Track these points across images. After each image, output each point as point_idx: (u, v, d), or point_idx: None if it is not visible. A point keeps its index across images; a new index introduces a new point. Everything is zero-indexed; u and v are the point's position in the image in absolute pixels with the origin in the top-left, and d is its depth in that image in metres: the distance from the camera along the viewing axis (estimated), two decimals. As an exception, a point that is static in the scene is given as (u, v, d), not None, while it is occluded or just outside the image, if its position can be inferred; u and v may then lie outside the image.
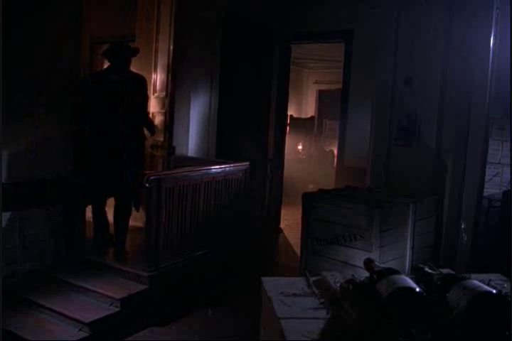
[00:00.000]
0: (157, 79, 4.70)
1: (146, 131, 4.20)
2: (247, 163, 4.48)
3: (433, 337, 1.23)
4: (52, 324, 3.23)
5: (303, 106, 11.39)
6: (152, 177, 3.52)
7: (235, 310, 3.61)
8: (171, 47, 4.50)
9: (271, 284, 1.69)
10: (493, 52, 3.42)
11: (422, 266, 1.64)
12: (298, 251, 3.57)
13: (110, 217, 4.10)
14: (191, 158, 4.77)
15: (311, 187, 6.69)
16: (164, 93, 4.61)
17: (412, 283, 1.37)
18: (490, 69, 3.43)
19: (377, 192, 3.49)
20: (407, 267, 3.18)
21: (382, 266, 1.59)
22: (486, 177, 3.63)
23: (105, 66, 4.45)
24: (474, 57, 3.47)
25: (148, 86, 4.27)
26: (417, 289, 1.35)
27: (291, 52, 5.72)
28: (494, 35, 3.41)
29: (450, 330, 1.26)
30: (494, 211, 3.56)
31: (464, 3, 3.50)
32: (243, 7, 4.87)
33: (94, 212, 4.07)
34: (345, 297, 1.52)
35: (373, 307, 1.38)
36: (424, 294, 1.35)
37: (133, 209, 4.10)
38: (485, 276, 1.60)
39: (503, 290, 1.43)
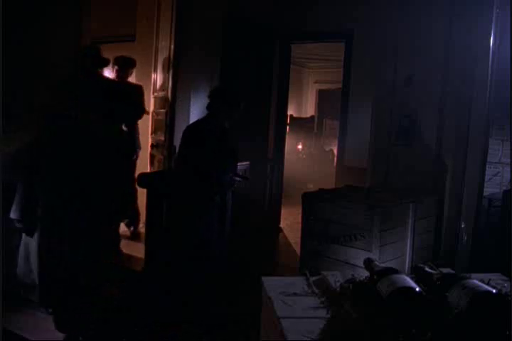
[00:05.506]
0: (157, 78, 4.70)
1: None
2: (247, 162, 4.48)
3: (433, 337, 1.23)
4: (53, 324, 3.23)
5: (303, 105, 11.39)
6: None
7: (234, 310, 3.60)
8: (172, 47, 4.50)
9: (271, 284, 1.69)
10: (493, 52, 3.42)
11: (422, 265, 1.64)
12: (298, 251, 3.57)
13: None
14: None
15: (311, 187, 6.69)
16: (164, 93, 4.61)
17: (412, 283, 1.37)
18: (490, 69, 3.43)
19: (377, 192, 3.49)
20: (407, 267, 3.18)
21: (383, 265, 1.59)
22: (486, 177, 3.63)
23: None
24: (474, 57, 3.47)
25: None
26: (417, 289, 1.35)
27: (291, 52, 5.71)
28: (494, 35, 3.41)
29: (450, 330, 1.26)
30: (494, 211, 3.56)
31: (464, 3, 3.50)
32: (243, 7, 4.87)
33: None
34: (345, 297, 1.51)
35: (373, 307, 1.38)
36: (424, 294, 1.35)
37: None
38: (485, 276, 1.60)
39: (503, 290, 1.43)
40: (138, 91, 4.65)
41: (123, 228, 4.42)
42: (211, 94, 3.62)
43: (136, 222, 4.64)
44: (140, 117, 4.63)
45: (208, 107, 3.58)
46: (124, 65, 4.61)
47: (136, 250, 3.99)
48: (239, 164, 4.36)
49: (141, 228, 4.42)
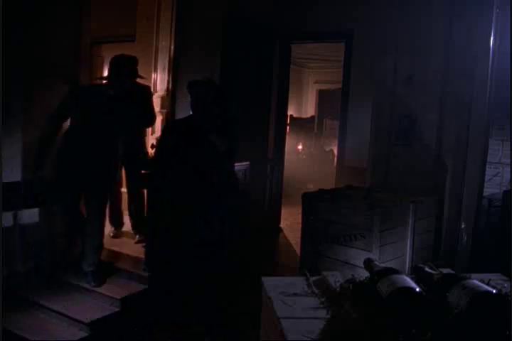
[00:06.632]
0: (157, 79, 4.70)
1: None
2: (247, 162, 4.48)
3: (433, 337, 1.23)
4: (52, 324, 3.23)
5: (303, 106, 11.39)
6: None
7: (234, 310, 3.60)
8: (172, 47, 4.50)
9: (271, 284, 1.69)
10: (493, 52, 3.42)
11: (422, 265, 1.64)
12: (298, 251, 3.57)
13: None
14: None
15: (311, 187, 6.69)
16: (165, 93, 4.61)
17: (412, 283, 1.37)
18: (490, 69, 3.43)
19: (377, 192, 3.48)
20: (407, 267, 3.18)
21: (383, 265, 1.59)
22: (486, 177, 3.63)
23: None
24: (474, 57, 3.47)
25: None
26: (417, 289, 1.35)
27: (291, 52, 5.72)
28: (494, 35, 3.41)
29: (450, 330, 1.26)
30: (494, 211, 3.56)
31: (464, 3, 3.50)
32: (243, 7, 4.87)
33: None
34: (345, 297, 1.51)
35: (373, 307, 1.38)
36: (424, 294, 1.35)
37: None
38: (485, 276, 1.60)
39: (503, 290, 1.43)
40: (146, 93, 4.16)
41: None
42: (207, 94, 3.37)
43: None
44: (151, 121, 4.19)
45: (206, 106, 3.38)
46: (125, 65, 4.35)
47: (137, 250, 3.99)
48: (239, 164, 4.36)
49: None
